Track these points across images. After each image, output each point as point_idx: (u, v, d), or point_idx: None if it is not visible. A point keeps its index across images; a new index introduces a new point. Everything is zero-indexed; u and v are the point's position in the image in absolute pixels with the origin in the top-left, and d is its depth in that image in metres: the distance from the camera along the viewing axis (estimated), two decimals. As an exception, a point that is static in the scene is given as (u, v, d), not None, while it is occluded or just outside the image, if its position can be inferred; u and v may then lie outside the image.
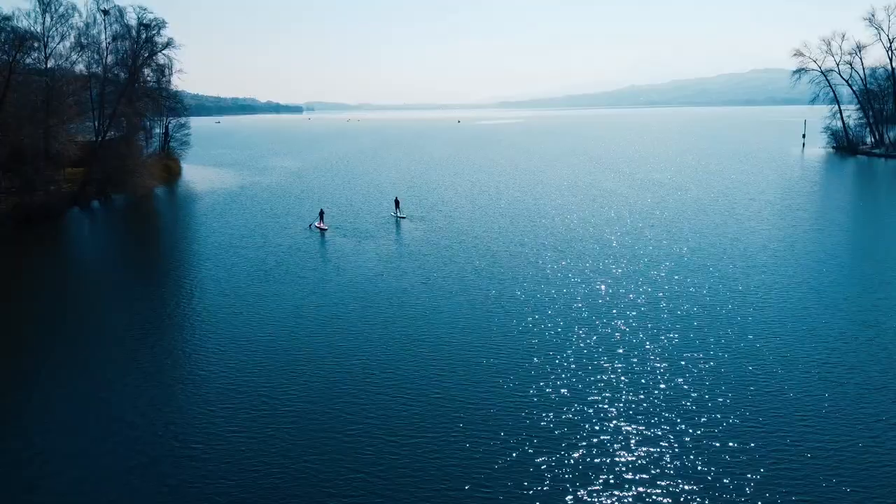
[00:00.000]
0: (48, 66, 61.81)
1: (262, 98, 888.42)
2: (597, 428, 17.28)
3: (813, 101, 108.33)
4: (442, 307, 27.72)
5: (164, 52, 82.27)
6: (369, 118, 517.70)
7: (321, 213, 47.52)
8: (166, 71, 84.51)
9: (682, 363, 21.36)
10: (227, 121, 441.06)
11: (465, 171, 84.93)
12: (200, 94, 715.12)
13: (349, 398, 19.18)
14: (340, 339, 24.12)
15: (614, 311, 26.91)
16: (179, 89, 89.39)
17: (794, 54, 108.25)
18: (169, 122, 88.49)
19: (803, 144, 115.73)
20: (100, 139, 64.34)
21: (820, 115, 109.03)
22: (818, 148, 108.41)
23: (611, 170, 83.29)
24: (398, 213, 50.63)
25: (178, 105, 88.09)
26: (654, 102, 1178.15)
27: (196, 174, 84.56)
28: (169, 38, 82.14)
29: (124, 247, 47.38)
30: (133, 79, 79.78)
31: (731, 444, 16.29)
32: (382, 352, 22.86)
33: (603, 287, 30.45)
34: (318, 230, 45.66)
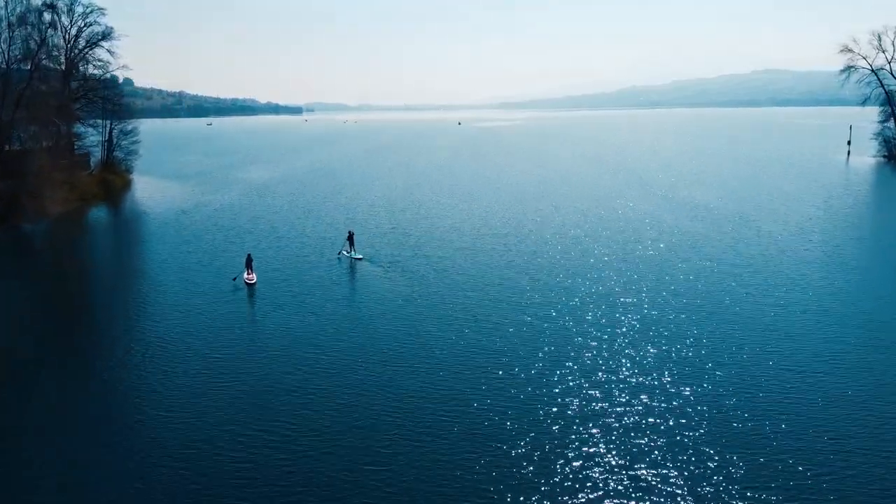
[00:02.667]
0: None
1: (262, 99, 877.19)
2: None
3: (864, 102, 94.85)
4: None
5: (102, 43, 68.85)
6: (368, 119, 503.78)
7: (248, 261, 33.72)
8: (107, 67, 71.19)
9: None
10: (222, 122, 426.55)
11: (461, 183, 71.21)
12: (199, 94, 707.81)
13: None
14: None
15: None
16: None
17: (841, 50, 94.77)
18: (113, 128, 74.62)
19: (848, 152, 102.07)
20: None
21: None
22: (866, 157, 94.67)
23: (639, 185, 69.40)
24: (352, 253, 37.69)
25: (119, 107, 74.25)
26: (654, 103, 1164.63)
27: (145, 191, 70.59)
28: (107, 28, 68.60)
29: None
30: (67, 75, 66.29)
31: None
32: None
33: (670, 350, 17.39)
34: (245, 284, 32.46)
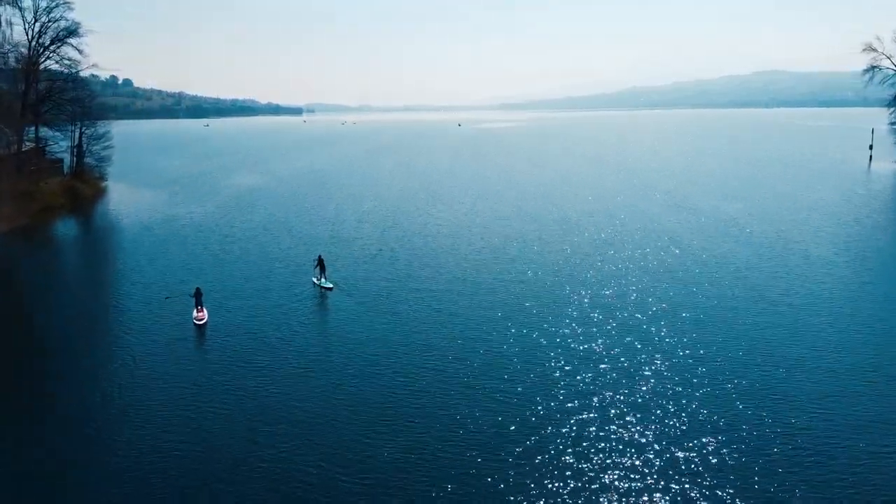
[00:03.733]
0: None
1: (263, 99, 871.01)
2: None
3: (890, 104, 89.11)
4: None
5: (69, 40, 63.39)
6: (367, 120, 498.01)
7: (198, 296, 28.06)
8: (76, 66, 65.75)
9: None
10: (220, 123, 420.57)
11: (459, 193, 65.70)
12: (199, 95, 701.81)
13: None
14: None
15: None
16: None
17: (864, 49, 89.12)
18: (83, 133, 69.04)
19: (870, 157, 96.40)
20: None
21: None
22: (889, 162, 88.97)
23: (656, 194, 63.75)
24: (322, 281, 32.36)
25: (90, 109, 68.73)
26: (654, 104, 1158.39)
27: (115, 201, 64.95)
28: (73, 23, 63.12)
29: None
30: (30, 75, 60.88)
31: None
32: None
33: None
34: (194, 325, 27.18)
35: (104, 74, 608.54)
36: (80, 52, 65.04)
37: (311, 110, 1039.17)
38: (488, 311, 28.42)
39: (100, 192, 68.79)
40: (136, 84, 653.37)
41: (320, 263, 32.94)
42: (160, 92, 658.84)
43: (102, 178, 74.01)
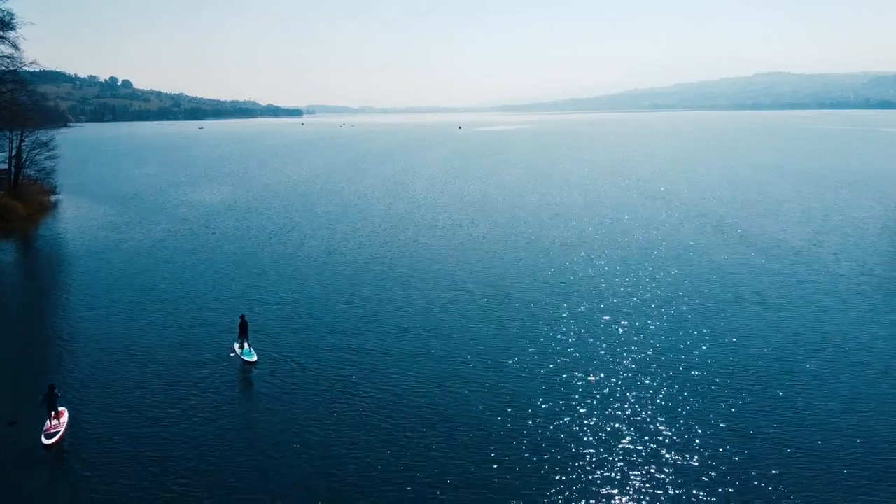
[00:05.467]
0: None
1: (264, 101, 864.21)
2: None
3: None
4: None
5: (3, 33, 54.69)
6: (367, 122, 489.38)
7: (50, 398, 18.71)
8: (13, 63, 57.13)
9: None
10: (216, 125, 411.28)
11: (447, 221, 56.55)
12: (199, 97, 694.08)
13: None
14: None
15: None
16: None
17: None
18: (23, 141, 60.12)
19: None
20: None
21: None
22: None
23: (699, 219, 54.40)
24: (243, 351, 23.71)
25: (31, 113, 59.88)
26: (657, 106, 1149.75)
27: (55, 221, 55.65)
28: (7, 14, 54.40)
29: None
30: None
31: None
32: None
33: None
34: (42, 441, 18.05)
35: (103, 76, 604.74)
36: (16, 47, 56.21)
37: (311, 112, 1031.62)
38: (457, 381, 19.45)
39: (43, 210, 59.71)
40: (135, 86, 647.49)
41: (242, 327, 24.11)
42: (159, 94, 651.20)
43: (52, 191, 65.14)
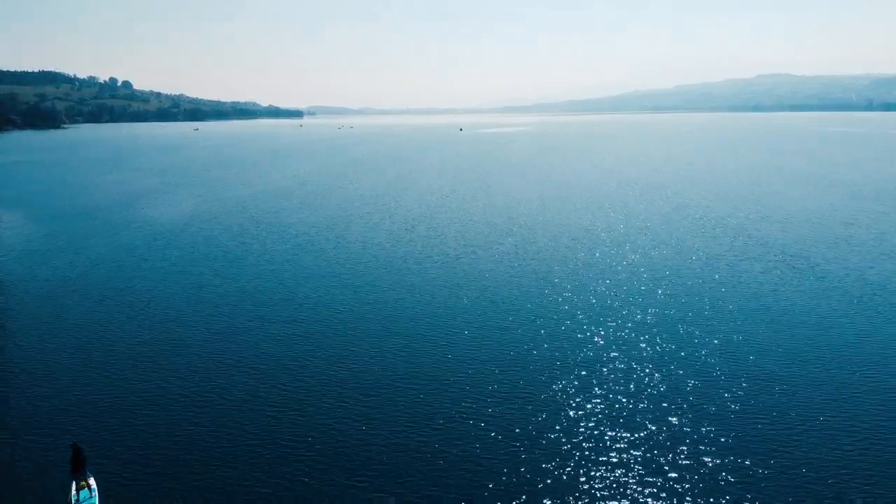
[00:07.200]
0: None
1: (265, 102, 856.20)
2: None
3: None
4: None
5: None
6: (367, 124, 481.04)
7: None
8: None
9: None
10: (212, 127, 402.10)
11: (437, 260, 47.74)
12: (199, 98, 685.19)
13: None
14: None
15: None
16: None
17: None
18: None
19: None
20: None
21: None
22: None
23: (758, 247, 45.57)
24: (79, 494, 15.41)
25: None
26: (658, 107, 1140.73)
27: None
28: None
29: None
30: None
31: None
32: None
33: None
34: None
35: (104, 76, 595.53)
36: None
37: (311, 113, 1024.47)
38: None
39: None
40: (135, 86, 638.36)
41: (75, 459, 15.89)
42: (158, 95, 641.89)
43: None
